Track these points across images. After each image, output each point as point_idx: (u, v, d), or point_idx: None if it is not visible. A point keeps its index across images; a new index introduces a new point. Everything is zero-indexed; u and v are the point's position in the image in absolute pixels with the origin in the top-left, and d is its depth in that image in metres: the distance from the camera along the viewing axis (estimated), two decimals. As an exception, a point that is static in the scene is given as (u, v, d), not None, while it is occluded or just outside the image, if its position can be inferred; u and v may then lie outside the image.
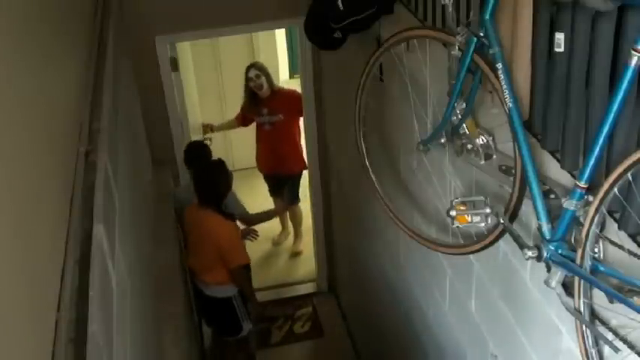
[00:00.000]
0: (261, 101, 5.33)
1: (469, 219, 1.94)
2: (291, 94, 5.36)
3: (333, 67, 4.29)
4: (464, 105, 2.03)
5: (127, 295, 2.11)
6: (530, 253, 1.69)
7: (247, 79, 5.27)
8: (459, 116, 2.05)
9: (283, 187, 5.56)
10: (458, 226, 1.96)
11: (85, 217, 1.69)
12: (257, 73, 5.22)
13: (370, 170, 2.66)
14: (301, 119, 5.24)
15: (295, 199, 5.72)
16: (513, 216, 1.85)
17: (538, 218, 1.68)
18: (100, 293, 1.52)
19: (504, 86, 1.76)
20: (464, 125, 2.06)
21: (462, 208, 1.94)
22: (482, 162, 2.02)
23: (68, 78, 2.04)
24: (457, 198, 1.97)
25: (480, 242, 2.03)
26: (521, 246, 1.73)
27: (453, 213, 1.94)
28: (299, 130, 5.45)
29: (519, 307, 2.04)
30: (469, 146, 2.04)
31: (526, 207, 1.83)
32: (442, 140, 2.19)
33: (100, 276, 1.57)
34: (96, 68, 2.39)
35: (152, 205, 3.84)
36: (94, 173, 1.89)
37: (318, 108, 4.90)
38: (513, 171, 1.81)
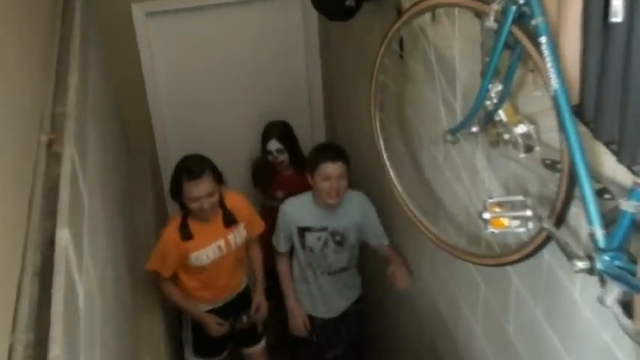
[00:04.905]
0: (277, 179, 4.48)
1: (506, 223, 1.94)
2: None
3: (344, 42, 4.28)
4: (500, 87, 2.03)
5: (97, 313, 2.11)
6: (580, 265, 1.68)
7: (265, 151, 4.42)
8: (495, 100, 2.05)
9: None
10: (492, 232, 1.97)
11: (47, 219, 1.69)
12: (279, 147, 4.34)
13: (388, 164, 2.66)
14: None
15: None
16: (560, 220, 1.85)
17: (590, 223, 1.67)
18: (64, 311, 1.51)
19: (549, 64, 1.75)
20: (500, 111, 2.06)
21: (498, 210, 1.95)
22: (522, 155, 2.01)
23: (28, 55, 2.03)
24: (492, 198, 1.98)
25: (519, 251, 2.02)
26: (570, 256, 1.72)
27: (486, 216, 1.95)
28: None
29: (567, 329, 2.04)
30: (506, 136, 2.04)
31: (575, 209, 1.82)
32: (474, 129, 2.19)
33: (65, 290, 1.57)
34: (60, 43, 2.39)
35: (129, 204, 3.85)
36: (58, 167, 1.89)
37: (325, 91, 4.90)
38: (559, 166, 1.80)
